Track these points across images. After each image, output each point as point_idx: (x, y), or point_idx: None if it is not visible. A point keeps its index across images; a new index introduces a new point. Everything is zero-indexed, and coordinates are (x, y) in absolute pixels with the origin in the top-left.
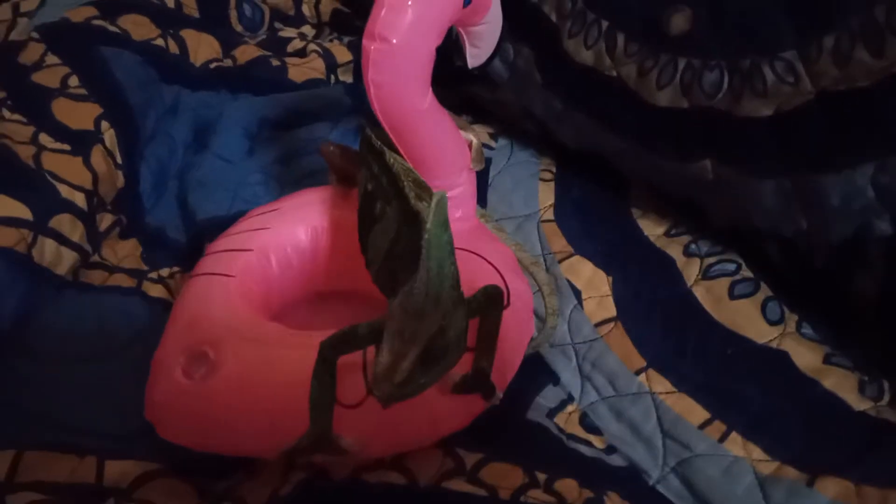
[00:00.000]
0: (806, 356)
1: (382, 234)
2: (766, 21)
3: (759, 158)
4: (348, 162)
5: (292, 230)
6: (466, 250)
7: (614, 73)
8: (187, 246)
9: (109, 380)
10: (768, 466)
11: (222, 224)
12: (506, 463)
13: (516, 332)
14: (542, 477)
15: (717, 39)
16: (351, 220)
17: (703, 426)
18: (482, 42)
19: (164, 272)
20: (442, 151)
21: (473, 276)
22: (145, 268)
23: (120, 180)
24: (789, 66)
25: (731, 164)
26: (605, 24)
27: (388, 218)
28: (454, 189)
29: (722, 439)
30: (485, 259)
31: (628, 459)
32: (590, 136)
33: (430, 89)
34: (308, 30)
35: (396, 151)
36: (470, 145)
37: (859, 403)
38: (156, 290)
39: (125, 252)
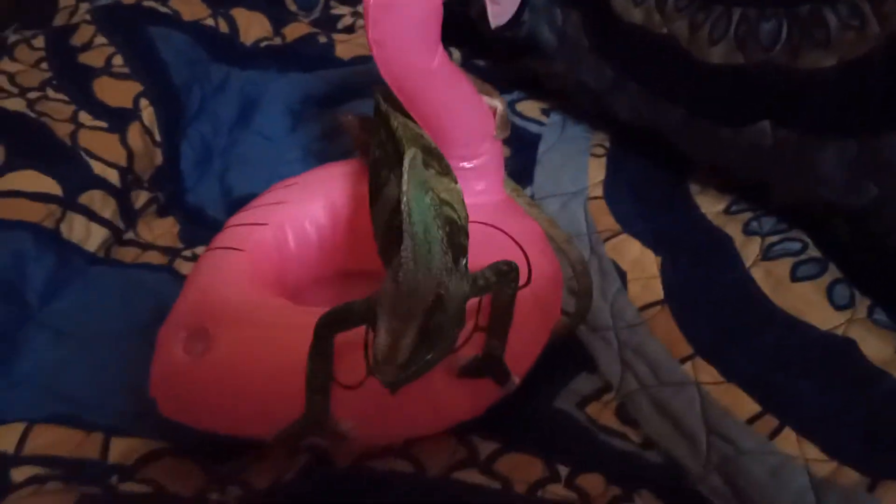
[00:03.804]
0: (876, 345)
1: (385, 203)
2: None
3: (821, 117)
4: (368, 132)
5: (311, 204)
6: (488, 224)
7: (665, 31)
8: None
9: (126, 357)
10: (825, 468)
11: None
12: (524, 454)
13: (538, 313)
14: (564, 471)
15: None
16: None
17: (752, 421)
18: None
19: (200, 250)
20: (457, 116)
21: (493, 252)
22: (181, 245)
23: (158, 158)
24: (854, 7)
25: (791, 125)
26: None
27: (392, 185)
28: (475, 159)
29: (773, 436)
30: (507, 234)
31: (667, 456)
32: (643, 108)
33: (441, 48)
34: None
35: (409, 116)
36: (494, 112)
37: None
38: (187, 268)
39: (162, 230)
